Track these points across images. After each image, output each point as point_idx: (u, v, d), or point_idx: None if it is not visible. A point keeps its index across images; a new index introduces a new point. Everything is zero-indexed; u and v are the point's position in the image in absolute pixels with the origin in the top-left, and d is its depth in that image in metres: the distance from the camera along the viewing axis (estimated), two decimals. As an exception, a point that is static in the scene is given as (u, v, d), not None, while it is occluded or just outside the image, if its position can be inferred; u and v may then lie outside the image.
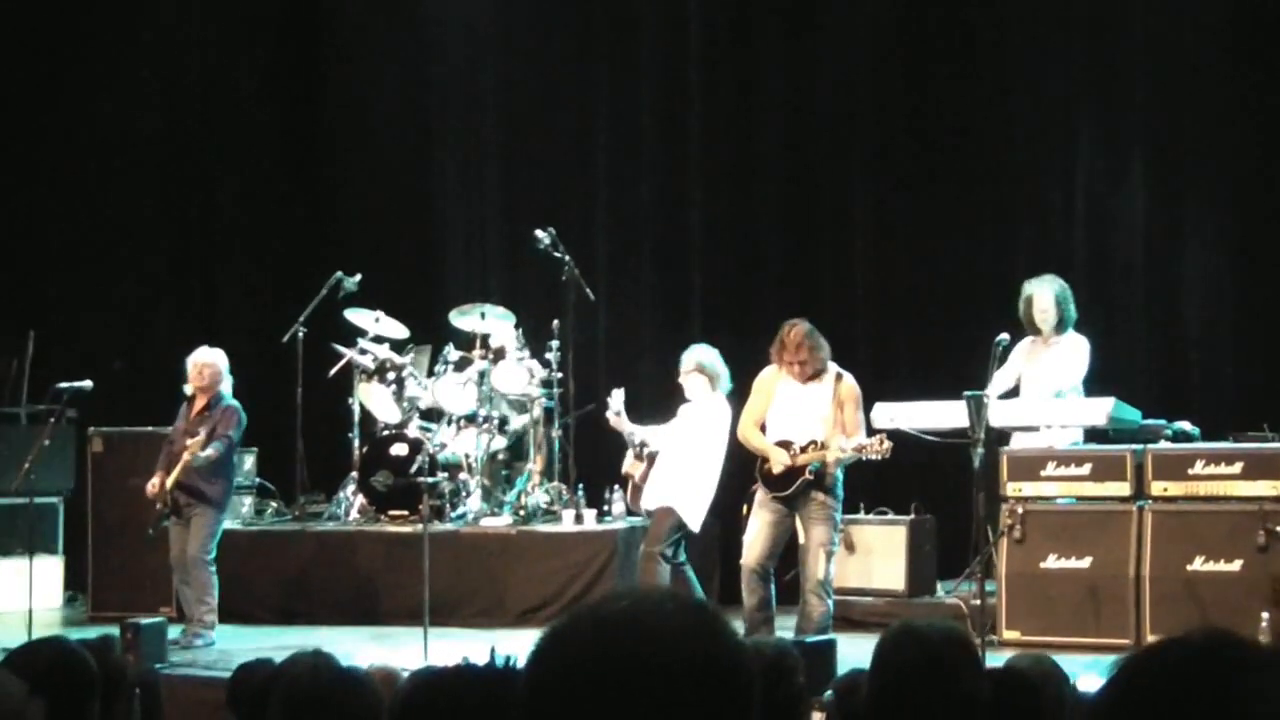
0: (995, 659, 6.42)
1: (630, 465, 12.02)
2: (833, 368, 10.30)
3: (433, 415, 13.61)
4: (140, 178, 16.27)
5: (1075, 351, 11.50)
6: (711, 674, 2.12)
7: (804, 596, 10.14)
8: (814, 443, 9.99)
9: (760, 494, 10.18)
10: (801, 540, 10.21)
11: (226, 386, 11.88)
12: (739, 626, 10.20)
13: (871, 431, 10.27)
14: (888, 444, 10.00)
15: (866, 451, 9.89)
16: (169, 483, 11.50)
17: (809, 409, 10.13)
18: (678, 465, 11.21)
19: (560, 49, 15.79)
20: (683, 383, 11.34)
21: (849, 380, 10.32)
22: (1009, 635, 10.82)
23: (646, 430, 11.92)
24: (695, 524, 11.30)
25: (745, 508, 10.57)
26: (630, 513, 12.44)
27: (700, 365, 11.26)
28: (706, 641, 2.14)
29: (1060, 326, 11.47)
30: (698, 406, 11.22)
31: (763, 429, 10.24)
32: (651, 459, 11.60)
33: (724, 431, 11.26)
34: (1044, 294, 11.38)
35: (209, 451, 11.43)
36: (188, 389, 11.99)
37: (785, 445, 10.08)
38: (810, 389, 10.17)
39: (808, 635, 9.82)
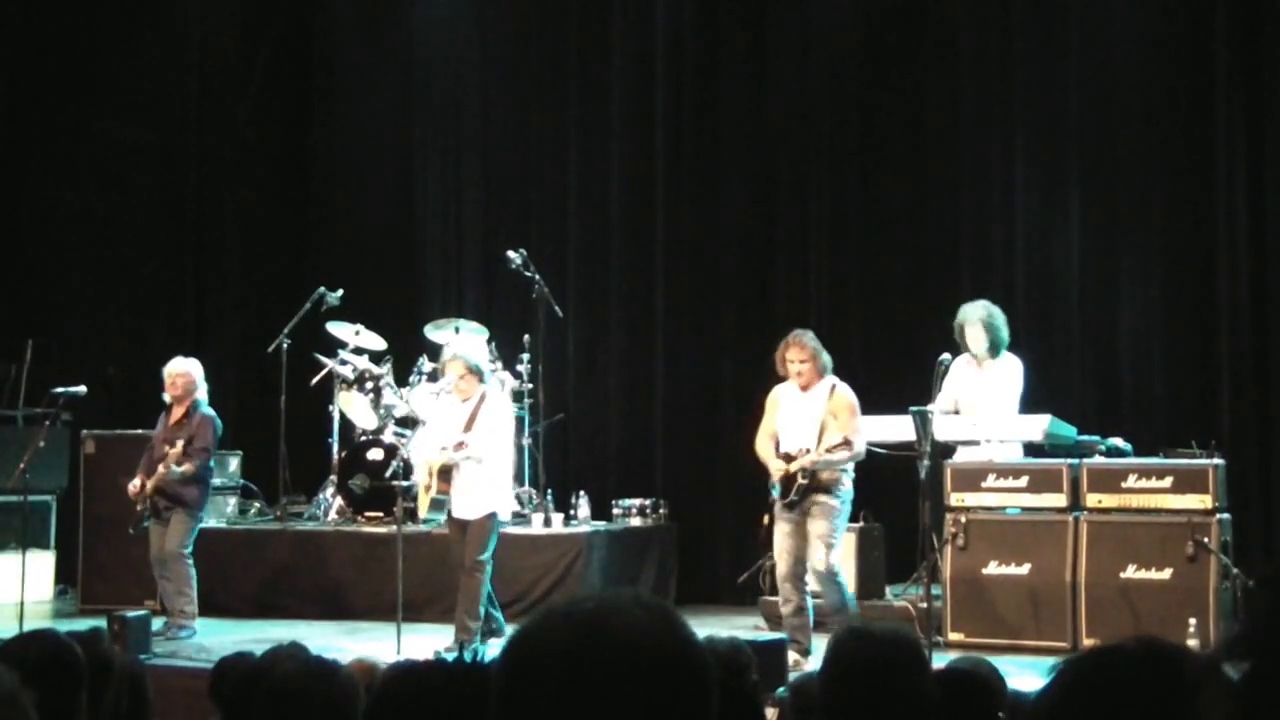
0: (941, 659, 6.42)
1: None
2: (830, 378, 10.24)
3: (408, 423, 13.59)
4: (137, 193, 16.21)
5: (1009, 375, 11.51)
6: (674, 670, 2.11)
7: (813, 590, 10.13)
8: (804, 450, 9.96)
9: (777, 505, 10.13)
10: (806, 536, 10.14)
11: (202, 394, 11.82)
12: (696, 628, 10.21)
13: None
14: (856, 450, 9.95)
15: (837, 452, 9.85)
16: (149, 488, 11.46)
17: (805, 417, 10.10)
18: (485, 469, 10.66)
19: (535, 81, 15.81)
20: (456, 383, 10.74)
21: (842, 390, 10.25)
22: (954, 637, 10.83)
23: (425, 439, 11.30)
24: (508, 514, 11.27)
25: (765, 518, 10.48)
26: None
27: (468, 365, 10.74)
28: (669, 639, 2.14)
29: (993, 350, 11.47)
30: (488, 409, 10.75)
31: (778, 444, 10.20)
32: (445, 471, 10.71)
33: (512, 419, 11.28)
34: (973, 321, 11.36)
35: (186, 466, 11.41)
36: (167, 397, 11.95)
37: (785, 456, 10.05)
38: (808, 397, 10.15)
39: (827, 624, 9.84)
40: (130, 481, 11.69)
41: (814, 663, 8.92)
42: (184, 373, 11.80)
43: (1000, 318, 11.32)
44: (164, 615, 11.82)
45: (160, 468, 11.35)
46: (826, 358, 10.28)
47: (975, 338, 11.42)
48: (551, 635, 2.12)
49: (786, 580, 10.11)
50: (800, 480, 9.95)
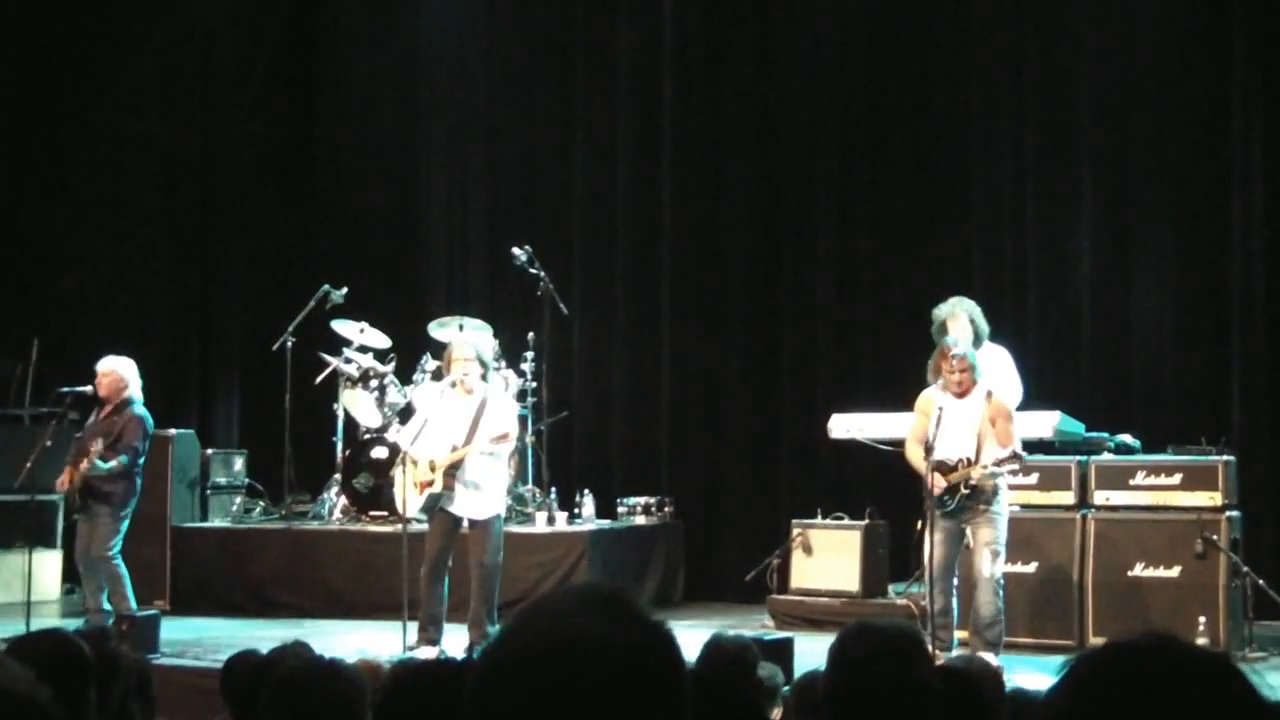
0: (946, 657, 6.43)
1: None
2: (984, 384, 10.03)
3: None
4: (142, 191, 16.27)
5: (1001, 364, 11.25)
6: (642, 668, 2.12)
7: (973, 597, 9.98)
8: (964, 460, 9.76)
9: (932, 511, 9.97)
10: (969, 544, 10.00)
11: (134, 393, 11.63)
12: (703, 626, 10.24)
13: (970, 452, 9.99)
14: (1021, 461, 9.78)
15: (1004, 466, 9.70)
16: (76, 482, 11.36)
17: (963, 425, 9.83)
18: (491, 467, 10.60)
19: (542, 76, 15.84)
20: (458, 370, 10.58)
21: (999, 396, 9.99)
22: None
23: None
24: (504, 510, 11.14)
25: (920, 524, 10.40)
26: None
27: (477, 355, 10.65)
28: (637, 636, 2.14)
29: (976, 342, 11.24)
30: (494, 409, 10.63)
31: (928, 449, 9.96)
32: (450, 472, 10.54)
33: (516, 417, 11.23)
34: (956, 315, 10.86)
35: (112, 464, 11.22)
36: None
37: (941, 465, 9.87)
38: (964, 404, 9.87)
39: (982, 632, 9.73)
40: (58, 479, 11.58)
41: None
42: (109, 371, 11.62)
43: (978, 310, 11.00)
44: (174, 614, 11.79)
45: (83, 463, 11.23)
46: (982, 365, 10.13)
47: (959, 331, 11.20)
48: (518, 638, 2.13)
49: (937, 582, 9.93)
50: (962, 490, 9.79)
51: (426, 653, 9.94)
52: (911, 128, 14.14)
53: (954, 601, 9.88)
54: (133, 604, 11.42)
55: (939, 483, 9.68)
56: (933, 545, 9.83)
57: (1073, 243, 13.47)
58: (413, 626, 10.52)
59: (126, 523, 11.45)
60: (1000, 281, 13.34)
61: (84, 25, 16.16)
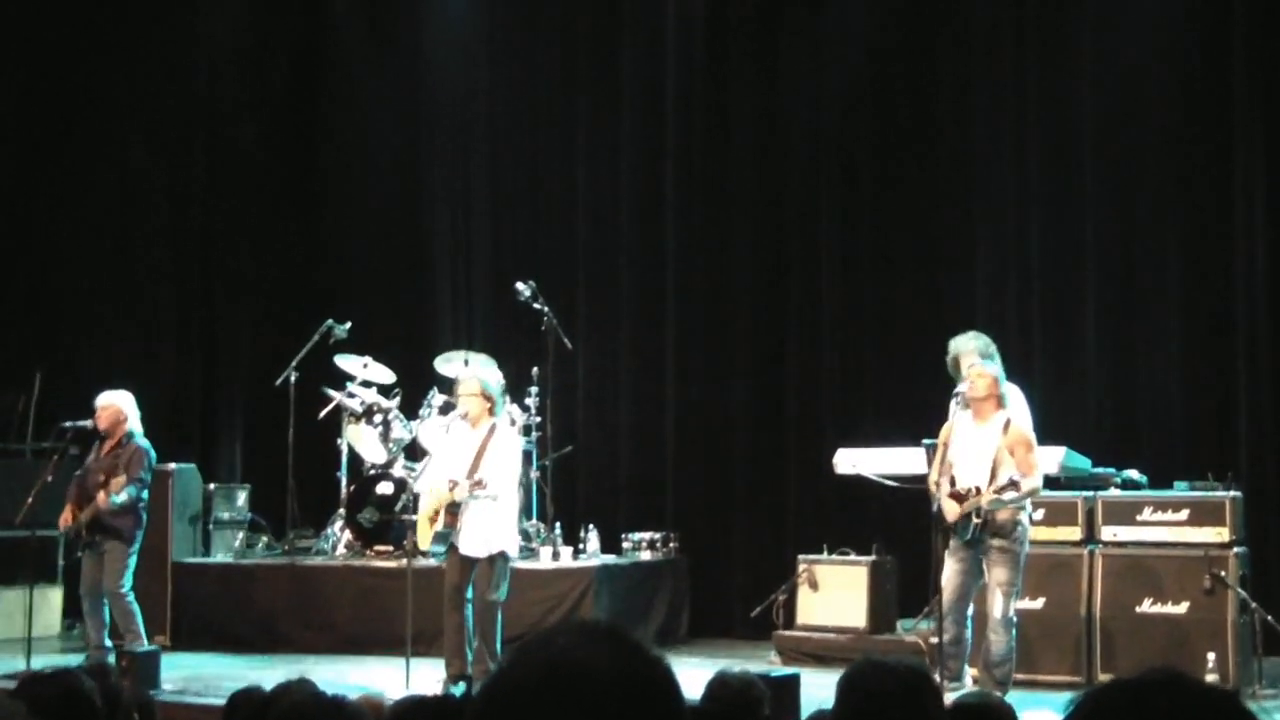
0: (955, 688, 6.41)
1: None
2: (1005, 412, 9.90)
3: (417, 455, 13.59)
4: (146, 225, 16.31)
5: (1015, 401, 11.15)
6: (639, 703, 2.12)
7: (985, 634, 9.90)
8: (975, 488, 9.69)
9: (946, 539, 9.87)
10: (985, 580, 9.91)
11: (134, 425, 11.64)
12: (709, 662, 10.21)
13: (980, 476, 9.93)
14: (1029, 488, 9.60)
15: (1005, 493, 9.58)
16: (83, 519, 11.35)
17: (979, 453, 9.72)
18: (488, 504, 10.54)
19: (544, 110, 15.86)
20: (460, 406, 10.72)
21: (1018, 423, 9.86)
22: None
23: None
24: (516, 551, 11.11)
25: (940, 546, 10.29)
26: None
27: (483, 388, 10.72)
28: (636, 672, 2.14)
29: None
30: (498, 443, 10.68)
31: (941, 477, 9.88)
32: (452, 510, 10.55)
33: (520, 454, 11.27)
34: (968, 351, 10.78)
35: (122, 497, 11.21)
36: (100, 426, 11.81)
37: (954, 494, 9.80)
38: (981, 432, 9.81)
39: (991, 669, 9.65)
40: (61, 515, 11.52)
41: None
42: (107, 405, 11.63)
43: (992, 346, 10.95)
44: (174, 649, 11.78)
45: (99, 498, 11.22)
46: (1006, 394, 10.01)
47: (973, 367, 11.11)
48: (517, 672, 2.13)
49: (950, 612, 9.85)
50: (975, 520, 9.69)
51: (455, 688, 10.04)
52: (917, 164, 14.15)
53: (968, 633, 9.82)
54: (144, 639, 11.44)
55: (950, 511, 9.64)
56: (948, 573, 9.79)
57: (1078, 277, 13.47)
58: (417, 662, 10.53)
59: (135, 557, 11.47)
60: (1005, 317, 13.33)
61: (89, 57, 16.20)
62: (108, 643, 11.39)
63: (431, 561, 11.49)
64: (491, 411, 10.74)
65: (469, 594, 10.58)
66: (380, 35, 16.70)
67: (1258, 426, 12.63)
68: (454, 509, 10.47)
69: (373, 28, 16.75)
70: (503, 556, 10.64)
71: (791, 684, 8.92)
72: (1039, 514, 10.92)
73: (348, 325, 14.02)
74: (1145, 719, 2.13)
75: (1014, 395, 10.87)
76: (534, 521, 13.38)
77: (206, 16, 16.57)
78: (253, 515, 14.40)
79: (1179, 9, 13.29)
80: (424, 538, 10.62)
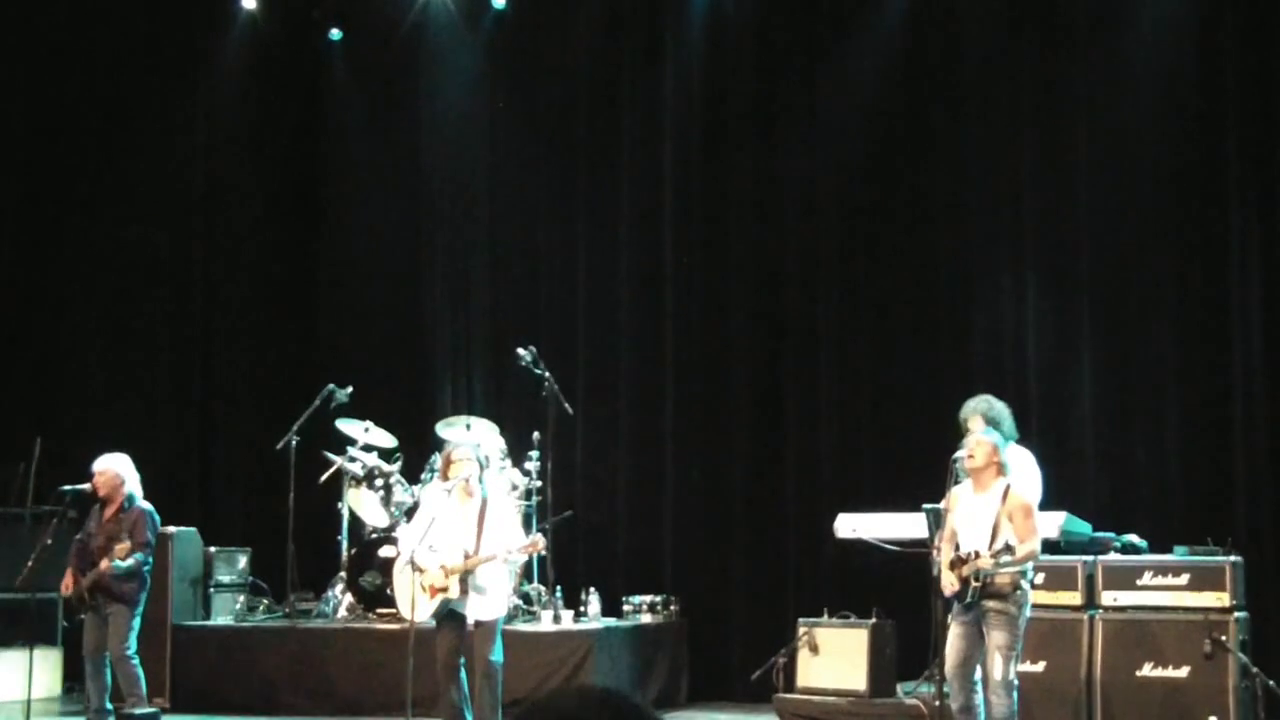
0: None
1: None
2: (1005, 480, 9.87)
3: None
4: (146, 293, 16.40)
5: (1024, 465, 11.20)
6: None
7: (985, 696, 9.89)
8: (974, 553, 9.65)
9: (946, 606, 9.88)
10: (985, 644, 9.90)
11: (133, 488, 11.62)
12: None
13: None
14: (1026, 552, 9.51)
15: (1000, 556, 9.56)
16: (85, 584, 11.35)
17: (979, 520, 9.73)
18: (496, 569, 10.61)
19: (543, 179, 15.96)
20: (458, 472, 10.65)
21: (1017, 491, 9.82)
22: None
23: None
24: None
25: (947, 618, 10.27)
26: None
27: (474, 454, 10.72)
28: None
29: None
30: (497, 509, 10.71)
31: (957, 546, 9.89)
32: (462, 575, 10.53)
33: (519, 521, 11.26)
34: (974, 415, 10.90)
35: (129, 562, 11.20)
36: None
37: (954, 560, 9.76)
38: (981, 499, 9.84)
39: None
40: (63, 581, 11.54)
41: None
42: (104, 470, 11.61)
43: (1002, 409, 10.98)
44: (174, 711, 11.75)
45: (103, 563, 11.21)
46: (1008, 463, 10.04)
47: (977, 429, 11.16)
48: None
49: (954, 679, 9.84)
50: (974, 584, 9.71)
51: None
52: (913, 230, 14.21)
53: (978, 699, 9.80)
54: (146, 702, 11.43)
55: (947, 581, 9.65)
56: (950, 639, 9.80)
57: (1075, 342, 13.52)
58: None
59: (139, 619, 11.47)
60: (1003, 382, 13.34)
61: (91, 130, 16.33)
62: (108, 705, 11.38)
63: (433, 624, 11.49)
64: (480, 479, 10.76)
65: (462, 660, 10.57)
66: (380, 107, 16.83)
67: (1256, 491, 12.65)
68: (466, 577, 10.46)
69: (373, 103, 16.89)
70: (501, 619, 10.67)
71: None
72: (1039, 578, 10.94)
73: (349, 390, 14.08)
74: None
75: (1020, 459, 10.90)
76: (535, 585, 13.40)
77: (208, 94, 16.73)
78: (253, 579, 14.41)
79: (1180, 87, 13.38)
80: (426, 607, 10.54)
